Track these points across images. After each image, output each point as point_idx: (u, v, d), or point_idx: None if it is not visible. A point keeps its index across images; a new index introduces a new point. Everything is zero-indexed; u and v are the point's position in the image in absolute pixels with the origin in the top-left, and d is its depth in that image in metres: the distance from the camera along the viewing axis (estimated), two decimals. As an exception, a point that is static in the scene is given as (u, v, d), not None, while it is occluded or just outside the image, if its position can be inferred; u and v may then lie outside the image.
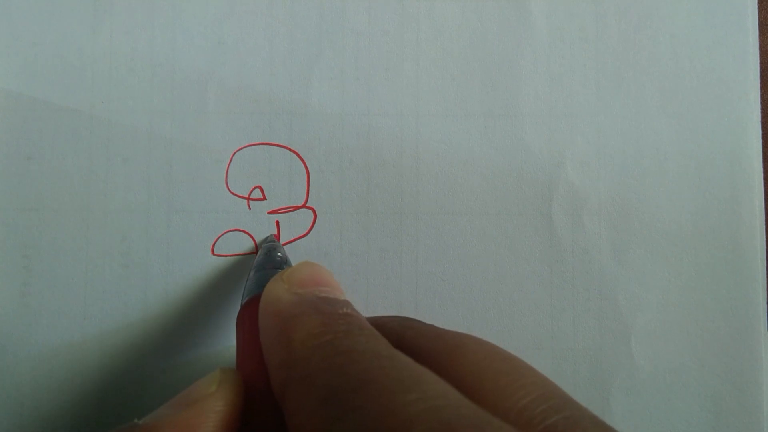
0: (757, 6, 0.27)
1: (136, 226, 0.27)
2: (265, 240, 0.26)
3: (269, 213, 0.27)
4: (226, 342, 0.26)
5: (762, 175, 0.27)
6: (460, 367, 0.15)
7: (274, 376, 0.15)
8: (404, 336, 0.17)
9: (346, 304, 0.16)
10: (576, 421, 0.13)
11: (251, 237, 0.27)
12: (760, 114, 0.27)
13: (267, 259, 0.23)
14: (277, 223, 0.27)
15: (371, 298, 0.27)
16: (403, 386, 0.12)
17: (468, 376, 0.14)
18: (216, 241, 0.27)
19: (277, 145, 0.27)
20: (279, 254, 0.24)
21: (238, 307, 0.26)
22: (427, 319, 0.21)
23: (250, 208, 0.27)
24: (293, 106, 0.27)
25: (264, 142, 0.27)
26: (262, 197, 0.27)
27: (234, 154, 0.27)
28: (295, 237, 0.27)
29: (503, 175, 0.27)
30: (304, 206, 0.27)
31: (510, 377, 0.15)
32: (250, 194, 0.27)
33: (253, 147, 0.27)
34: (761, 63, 0.27)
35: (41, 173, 0.27)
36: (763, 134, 0.27)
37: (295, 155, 0.27)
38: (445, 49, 0.27)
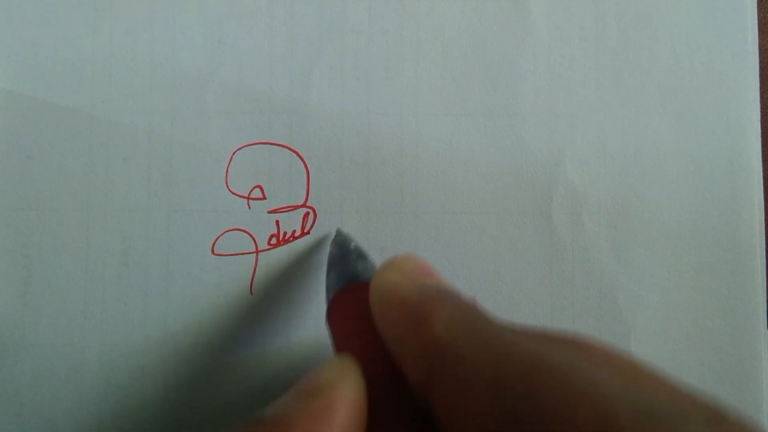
0: (756, 6, 0.27)
1: (136, 226, 0.27)
2: (337, 234, 0.26)
3: (269, 212, 0.27)
4: (226, 341, 0.26)
5: (762, 174, 0.27)
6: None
7: (415, 362, 0.15)
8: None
9: (464, 294, 0.16)
10: (721, 409, 0.13)
11: (251, 236, 0.27)
12: (759, 114, 0.27)
13: (344, 250, 0.23)
14: (277, 222, 0.27)
15: (371, 297, 0.27)
16: (582, 370, 0.12)
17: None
18: (216, 241, 0.27)
19: (277, 145, 0.27)
20: (353, 244, 0.24)
21: (239, 307, 0.26)
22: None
23: (249, 208, 0.27)
24: (293, 105, 0.27)
25: (264, 141, 0.27)
26: (262, 196, 0.27)
27: (234, 153, 0.27)
28: (295, 236, 0.27)
29: (503, 175, 0.27)
30: (303, 205, 0.27)
31: (644, 371, 0.15)
32: (250, 194, 0.27)
33: (253, 146, 0.27)
34: (761, 62, 0.27)
35: (41, 173, 0.27)
36: (762, 134, 0.27)
37: (295, 155, 0.27)
38: (445, 49, 0.27)
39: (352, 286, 0.20)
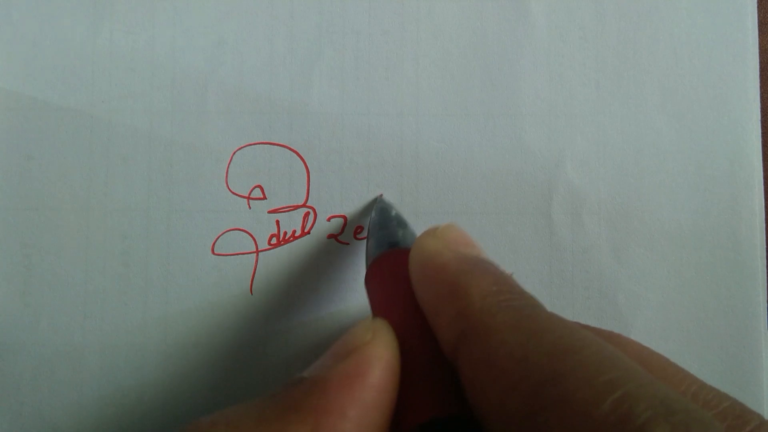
0: (756, 6, 0.27)
1: (136, 226, 0.27)
2: (375, 201, 0.26)
3: (269, 212, 0.27)
4: (226, 340, 0.26)
5: (762, 174, 0.27)
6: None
7: (448, 327, 0.15)
8: None
9: (502, 268, 0.17)
10: (744, 408, 0.13)
11: (251, 236, 0.27)
12: (759, 113, 0.27)
13: (384, 217, 0.24)
14: (278, 222, 0.27)
15: (371, 297, 0.27)
16: (609, 360, 0.12)
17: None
18: (216, 241, 0.27)
19: (278, 145, 0.27)
20: (393, 212, 0.24)
21: (239, 307, 0.26)
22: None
23: (250, 208, 0.27)
24: (293, 105, 0.27)
25: (264, 141, 0.27)
26: (262, 196, 0.27)
27: (234, 153, 0.27)
28: (296, 236, 0.27)
29: (503, 175, 0.27)
30: (304, 205, 0.27)
31: (674, 367, 0.15)
32: (250, 193, 0.27)
33: (253, 146, 0.27)
34: (761, 62, 0.27)
35: (41, 173, 0.27)
36: (763, 134, 0.27)
37: (295, 154, 0.27)
38: (445, 49, 0.27)
39: (391, 252, 0.20)
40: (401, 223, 0.23)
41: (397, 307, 0.18)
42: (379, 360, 0.15)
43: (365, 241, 0.26)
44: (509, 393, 0.12)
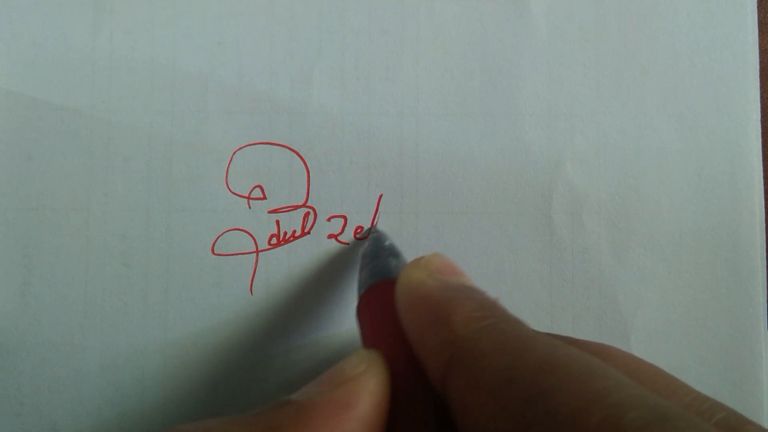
0: (756, 6, 0.27)
1: (136, 226, 0.27)
2: (369, 231, 0.26)
3: (269, 212, 0.27)
4: (226, 340, 0.26)
5: (762, 174, 0.27)
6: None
7: (434, 357, 0.15)
8: None
9: (487, 293, 0.17)
10: (740, 418, 0.13)
11: (251, 236, 0.27)
12: (759, 113, 0.27)
13: (377, 247, 0.24)
14: (278, 222, 0.27)
15: (371, 297, 0.27)
16: (596, 372, 0.12)
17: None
18: (216, 241, 0.27)
19: (278, 145, 0.27)
20: (387, 242, 0.24)
21: (241, 306, 0.26)
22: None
23: (250, 208, 0.27)
24: (293, 105, 0.27)
25: (264, 141, 0.27)
26: (262, 196, 0.27)
27: (234, 153, 0.27)
28: (296, 236, 0.27)
29: (503, 175, 0.27)
30: (304, 205, 0.27)
31: (665, 379, 0.15)
32: (250, 193, 0.27)
33: (253, 146, 0.27)
34: (761, 62, 0.27)
35: (42, 173, 0.27)
36: (763, 134, 0.27)
37: (295, 154, 0.27)
38: (445, 49, 0.27)
39: (382, 283, 0.20)
40: (394, 253, 0.23)
41: (385, 338, 0.18)
42: (369, 394, 0.15)
43: (364, 241, 0.26)
44: (498, 414, 0.12)
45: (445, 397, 0.14)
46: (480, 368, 0.13)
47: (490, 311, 0.15)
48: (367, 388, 0.15)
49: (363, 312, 0.20)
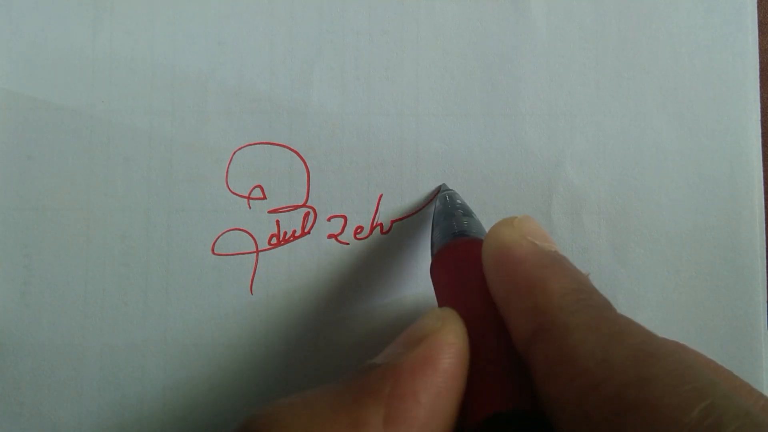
0: (756, 6, 0.27)
1: (136, 226, 0.27)
2: (440, 189, 0.26)
3: (269, 212, 0.27)
4: (226, 340, 0.26)
5: (762, 174, 0.27)
6: None
7: (522, 319, 0.15)
8: None
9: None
10: None
11: (251, 236, 0.27)
12: (759, 114, 0.27)
13: (449, 206, 0.23)
14: (278, 222, 0.27)
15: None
16: (691, 369, 0.12)
17: None
18: (216, 241, 0.27)
19: (278, 145, 0.27)
20: (458, 201, 0.24)
21: (241, 306, 0.26)
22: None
23: (250, 207, 0.27)
24: (293, 105, 0.27)
25: (264, 141, 0.27)
26: (262, 196, 0.27)
27: (234, 153, 0.27)
28: (296, 236, 0.27)
29: (503, 175, 0.27)
30: (304, 205, 0.27)
31: (740, 380, 0.15)
32: (250, 193, 0.27)
33: (253, 146, 0.27)
34: (761, 62, 0.27)
35: (42, 173, 0.27)
36: (763, 134, 0.27)
37: (295, 154, 0.27)
38: (445, 49, 0.27)
39: (459, 241, 0.20)
40: (467, 211, 0.23)
41: (466, 296, 0.18)
42: (449, 347, 0.15)
43: (364, 241, 0.26)
44: (589, 393, 0.12)
45: (528, 360, 0.15)
46: (573, 342, 0.13)
47: (585, 287, 0.15)
48: (446, 342, 0.15)
49: (439, 270, 0.20)
